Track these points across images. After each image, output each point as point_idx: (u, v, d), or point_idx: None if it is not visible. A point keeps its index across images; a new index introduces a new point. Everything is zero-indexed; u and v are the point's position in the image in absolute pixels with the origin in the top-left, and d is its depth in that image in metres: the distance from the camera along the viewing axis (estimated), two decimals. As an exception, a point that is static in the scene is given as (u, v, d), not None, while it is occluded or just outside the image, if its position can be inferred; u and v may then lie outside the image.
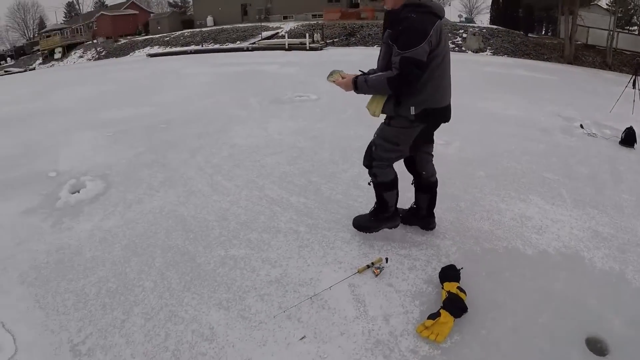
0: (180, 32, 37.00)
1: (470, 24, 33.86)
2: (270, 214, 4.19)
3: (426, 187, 3.38)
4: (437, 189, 3.49)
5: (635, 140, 6.72)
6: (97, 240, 3.88)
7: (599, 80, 17.08)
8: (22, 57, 53.47)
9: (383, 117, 3.14)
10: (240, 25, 35.32)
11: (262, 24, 33.92)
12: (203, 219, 4.15)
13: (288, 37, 26.44)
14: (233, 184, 4.93)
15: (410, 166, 3.35)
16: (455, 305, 2.64)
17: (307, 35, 25.53)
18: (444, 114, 2.99)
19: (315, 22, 32.64)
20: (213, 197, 4.62)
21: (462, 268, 3.03)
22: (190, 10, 51.76)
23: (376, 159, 3.13)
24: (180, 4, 60.61)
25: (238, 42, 30.31)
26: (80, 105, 10.50)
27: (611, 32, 23.90)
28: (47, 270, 3.47)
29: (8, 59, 62.52)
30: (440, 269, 3.08)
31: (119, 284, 3.23)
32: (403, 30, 2.63)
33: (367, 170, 3.29)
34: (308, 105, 9.12)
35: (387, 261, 3.16)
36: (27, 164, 6.10)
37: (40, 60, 44.62)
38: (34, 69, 40.04)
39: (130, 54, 34.60)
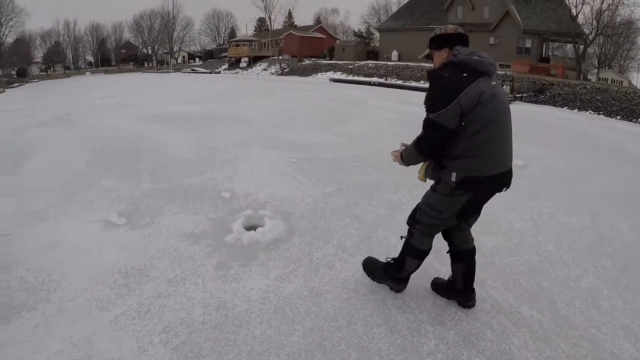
0: (364, 62, 37.36)
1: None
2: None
3: (459, 256, 3.02)
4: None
5: None
6: (272, 310, 2.94)
7: None
8: (209, 60, 59.08)
9: None
10: (425, 64, 34.63)
11: (444, 66, 32.77)
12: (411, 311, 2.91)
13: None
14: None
15: (444, 232, 3.02)
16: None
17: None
18: (495, 183, 2.70)
19: (503, 72, 30.73)
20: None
21: None
22: (375, 42, 52.40)
23: (420, 223, 2.89)
24: (365, 34, 61.99)
25: (422, 81, 29.50)
26: (262, 119, 10.23)
27: None
28: (201, 337, 2.63)
29: (197, 59, 69.86)
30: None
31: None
32: (430, 90, 2.60)
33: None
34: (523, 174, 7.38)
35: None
36: (204, 172, 5.78)
37: (225, 66, 48.65)
38: (219, 72, 43.57)
39: (313, 75, 35.76)
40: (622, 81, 38.37)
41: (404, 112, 14.03)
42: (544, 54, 37.91)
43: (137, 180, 5.41)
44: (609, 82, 35.97)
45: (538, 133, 11.31)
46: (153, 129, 8.50)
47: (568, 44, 39.61)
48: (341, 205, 4.90)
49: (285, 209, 4.67)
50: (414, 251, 2.98)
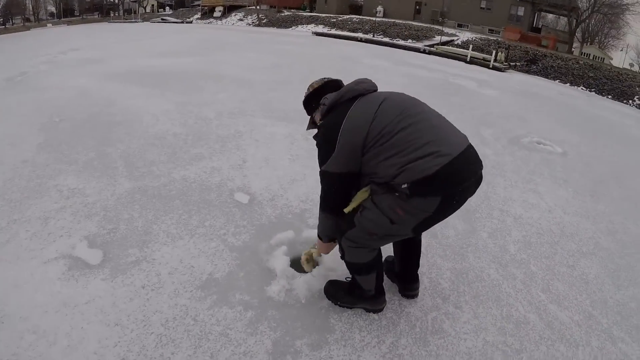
0: (348, 16, 35.44)
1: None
2: None
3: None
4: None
5: None
6: None
7: None
8: (180, 9, 55.44)
9: None
10: (413, 23, 33.07)
11: (436, 26, 31.33)
12: None
13: (472, 49, 23.50)
14: None
15: None
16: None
17: (493, 52, 22.73)
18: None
19: (494, 38, 29.99)
20: None
21: None
22: (360, -3, 50.19)
23: None
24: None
25: (410, 40, 27.92)
26: (255, 78, 8.59)
27: None
28: None
29: (167, 7, 65.50)
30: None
31: None
32: (318, 148, 2.30)
33: None
34: (552, 158, 6.26)
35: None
36: (201, 159, 4.36)
37: (198, 15, 45.39)
38: (191, 22, 40.65)
39: (293, 27, 33.60)
40: (603, 58, 38.97)
41: (407, 75, 12.59)
42: (534, 24, 38.03)
43: (108, 173, 3.83)
44: (591, 57, 36.55)
45: (555, 112, 10.54)
46: (123, 90, 6.74)
47: (561, 17, 39.88)
48: None
49: None
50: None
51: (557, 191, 4.75)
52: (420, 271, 2.76)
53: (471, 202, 4.17)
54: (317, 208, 3.25)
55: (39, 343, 2.05)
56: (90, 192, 3.47)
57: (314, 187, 3.91)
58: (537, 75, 23.44)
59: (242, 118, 5.75)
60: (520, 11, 35.49)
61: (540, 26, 39.17)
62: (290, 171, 4.23)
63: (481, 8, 35.75)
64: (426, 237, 3.36)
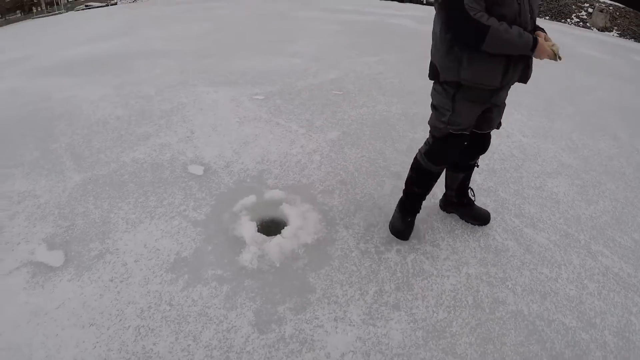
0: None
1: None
2: None
3: None
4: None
5: None
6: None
7: None
8: (104, -7, 52.08)
9: None
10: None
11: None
12: None
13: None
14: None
15: None
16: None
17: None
18: None
19: None
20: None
21: None
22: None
23: None
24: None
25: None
26: (186, 48, 8.17)
27: None
28: None
29: (90, -7, 61.36)
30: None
31: None
32: None
33: None
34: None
35: None
36: (148, 137, 4.12)
37: (124, -5, 42.85)
38: (115, 4, 38.28)
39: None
40: None
41: (343, 21, 12.29)
42: None
43: (56, 170, 3.56)
44: None
45: None
46: (57, 83, 6.26)
47: None
48: (363, 158, 3.58)
49: (295, 178, 3.26)
50: None
51: (512, 115, 4.76)
52: (391, 212, 2.73)
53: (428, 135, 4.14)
54: (273, 167, 3.16)
55: (15, 359, 1.90)
56: (40, 192, 3.23)
57: (266, 147, 3.79)
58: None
59: (183, 89, 5.47)
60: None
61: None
62: (240, 134, 4.07)
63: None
64: (391, 178, 3.33)
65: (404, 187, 2.67)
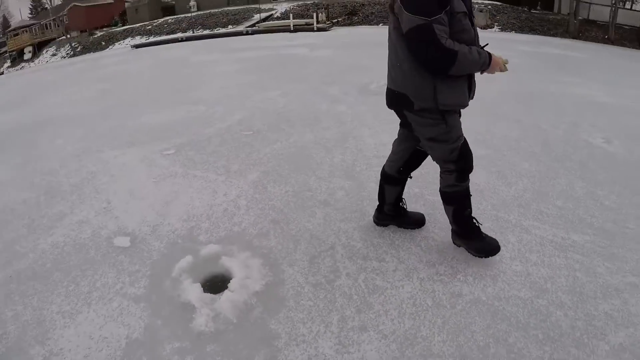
0: (162, 19, 33.90)
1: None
2: None
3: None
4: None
5: None
6: None
7: (626, 57, 15.62)
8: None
9: None
10: (229, 8, 32.61)
11: (253, 5, 31.26)
12: None
13: (293, 18, 23.88)
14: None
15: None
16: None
17: (314, 15, 23.38)
18: None
19: (310, 2, 30.63)
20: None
21: None
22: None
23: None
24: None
25: (230, 26, 27.59)
26: (89, 113, 7.85)
27: (614, 8, 23.49)
28: None
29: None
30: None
31: None
32: None
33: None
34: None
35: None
36: (63, 217, 3.84)
37: (8, 64, 40.26)
38: (1, 73, 36.01)
39: (110, 47, 31.31)
40: None
41: (239, 60, 12.46)
42: None
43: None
44: None
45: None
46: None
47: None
48: (288, 192, 3.75)
49: (227, 228, 3.28)
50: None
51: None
52: (330, 239, 2.90)
53: (346, 157, 4.28)
54: (202, 222, 3.13)
55: None
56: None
57: (189, 203, 3.75)
58: (361, 24, 24.65)
59: (89, 157, 5.25)
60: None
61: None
62: (159, 195, 3.98)
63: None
64: (321, 207, 3.40)
65: (458, 223, 2.73)
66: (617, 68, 12.11)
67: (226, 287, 2.58)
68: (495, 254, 2.77)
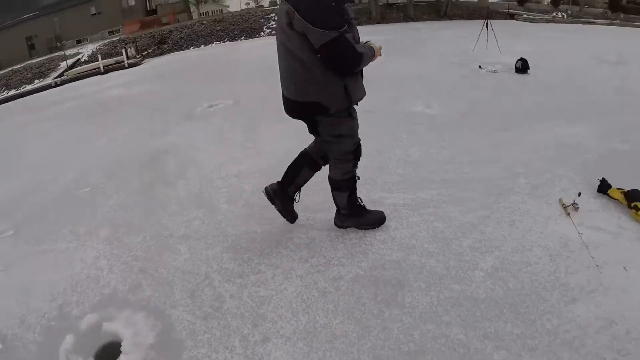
0: (-47, 92, 29.93)
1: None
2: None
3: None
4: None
5: (528, 67, 8.87)
6: None
7: (427, 30, 17.96)
8: None
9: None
10: (33, 61, 30.03)
11: (57, 53, 29.12)
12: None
13: (102, 59, 22.76)
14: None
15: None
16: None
17: (123, 52, 22.53)
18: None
19: (117, 38, 29.66)
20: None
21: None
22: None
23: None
24: None
25: (36, 81, 25.37)
26: None
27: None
28: None
29: None
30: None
31: None
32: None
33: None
34: (233, 111, 7.08)
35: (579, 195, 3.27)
36: None
37: None
38: None
39: None
40: (222, 9, 42.19)
41: (58, 114, 11.54)
42: (149, 7, 38.96)
43: None
44: (211, 13, 40.38)
45: (215, 74, 12.10)
46: None
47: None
48: (146, 238, 3.84)
49: (96, 293, 3.22)
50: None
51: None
52: (202, 269, 3.08)
53: (191, 187, 4.35)
54: (68, 296, 2.99)
55: None
56: None
57: (48, 282, 3.52)
58: (173, 51, 24.30)
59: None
60: (132, 2, 36.23)
61: (155, 7, 39.92)
62: (13, 283, 3.53)
63: (92, 15, 35.32)
64: (183, 242, 3.49)
65: (352, 205, 3.13)
66: (421, 41, 13.55)
67: (120, 352, 2.49)
68: (385, 221, 3.23)
